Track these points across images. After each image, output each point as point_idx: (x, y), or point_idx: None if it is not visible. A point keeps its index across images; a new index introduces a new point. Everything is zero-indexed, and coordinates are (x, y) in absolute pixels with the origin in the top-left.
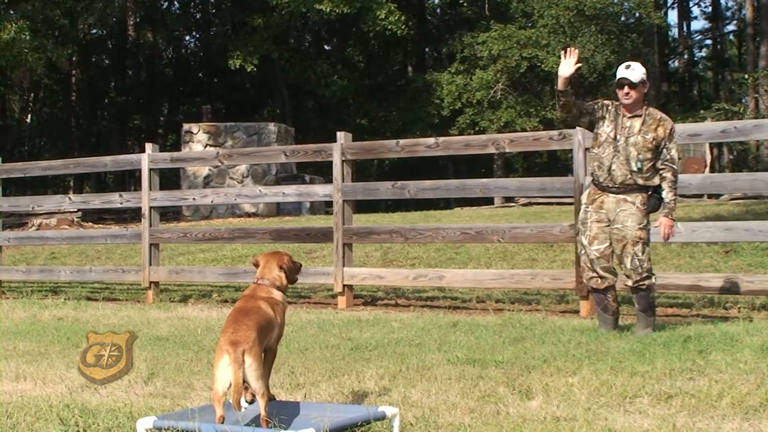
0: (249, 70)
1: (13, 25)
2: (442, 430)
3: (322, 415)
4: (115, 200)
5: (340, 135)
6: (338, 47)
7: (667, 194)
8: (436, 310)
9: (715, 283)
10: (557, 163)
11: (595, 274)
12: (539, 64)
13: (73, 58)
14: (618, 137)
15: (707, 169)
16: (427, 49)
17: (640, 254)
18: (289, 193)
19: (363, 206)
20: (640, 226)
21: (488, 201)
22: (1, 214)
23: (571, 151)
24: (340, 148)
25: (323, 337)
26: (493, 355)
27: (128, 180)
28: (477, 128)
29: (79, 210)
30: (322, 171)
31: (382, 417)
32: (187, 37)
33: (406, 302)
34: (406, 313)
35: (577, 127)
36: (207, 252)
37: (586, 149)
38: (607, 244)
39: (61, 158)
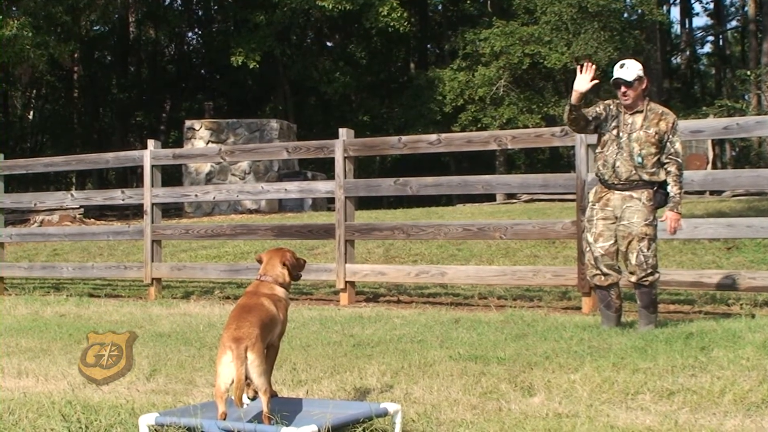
0: (251, 66)
1: (16, 21)
2: (444, 427)
3: (324, 412)
4: (117, 197)
5: (342, 131)
6: (340, 44)
7: (672, 188)
8: (438, 306)
9: (717, 280)
10: (559, 160)
11: (598, 272)
12: (542, 60)
13: (75, 55)
14: (621, 134)
15: (709, 165)
16: (429, 46)
17: (645, 250)
18: (291, 189)
19: (365, 203)
20: (646, 222)
21: (490, 198)
22: (3, 210)
23: (573, 147)
24: (342, 144)
25: (325, 333)
26: (495, 352)
27: (130, 177)
28: (479, 125)
29: (81, 206)
30: (324, 168)
31: (384, 413)
32: (189, 34)
33: (408, 299)
34: (408, 309)
35: None
36: (209, 248)
37: (589, 146)
38: (612, 242)
39: (63, 155)
